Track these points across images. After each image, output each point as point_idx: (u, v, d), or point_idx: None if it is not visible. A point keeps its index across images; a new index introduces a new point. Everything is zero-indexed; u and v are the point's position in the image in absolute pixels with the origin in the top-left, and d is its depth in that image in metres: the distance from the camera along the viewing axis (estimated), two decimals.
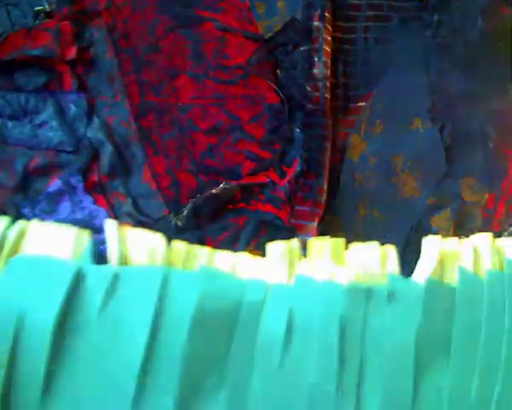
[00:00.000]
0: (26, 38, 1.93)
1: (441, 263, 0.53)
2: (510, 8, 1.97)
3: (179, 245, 0.53)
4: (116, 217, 1.95)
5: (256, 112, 1.99)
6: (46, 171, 1.95)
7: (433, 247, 0.53)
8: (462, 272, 0.52)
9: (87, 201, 1.96)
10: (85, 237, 0.53)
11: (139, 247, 0.53)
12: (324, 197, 1.96)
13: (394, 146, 2.00)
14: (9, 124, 1.95)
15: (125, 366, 0.53)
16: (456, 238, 0.53)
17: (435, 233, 2.13)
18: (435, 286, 0.51)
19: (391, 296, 0.50)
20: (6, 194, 1.94)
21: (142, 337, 0.52)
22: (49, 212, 1.94)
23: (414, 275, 0.53)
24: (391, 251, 0.52)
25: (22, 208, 1.95)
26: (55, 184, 1.96)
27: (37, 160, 1.95)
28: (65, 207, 1.98)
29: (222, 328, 0.51)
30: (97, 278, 0.53)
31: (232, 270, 0.52)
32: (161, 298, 0.52)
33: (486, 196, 1.97)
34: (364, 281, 0.50)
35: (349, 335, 0.50)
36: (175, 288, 0.52)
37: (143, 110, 1.98)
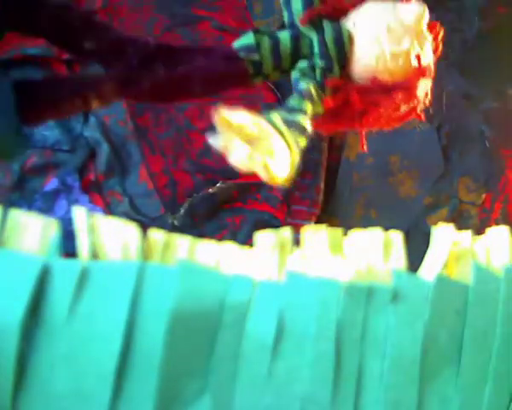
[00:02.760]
0: (23, 36, 1.88)
1: (453, 257, 0.45)
2: (508, 8, 1.92)
3: (157, 235, 0.46)
4: (113, 216, 1.90)
5: (253, 111, 1.94)
6: (42, 170, 1.89)
7: (444, 238, 0.45)
8: (477, 267, 0.44)
9: (83, 200, 1.91)
10: (52, 227, 0.46)
11: (112, 238, 0.46)
12: (321, 197, 1.92)
13: (391, 146, 1.96)
14: None
15: (98, 374, 0.46)
16: (469, 231, 0.45)
17: None
18: (446, 284, 0.43)
19: (395, 296, 0.42)
20: (2, 193, 1.89)
21: (115, 342, 0.45)
22: (45, 211, 1.88)
23: (421, 270, 0.45)
24: (396, 238, 0.43)
25: (19, 207, 1.89)
26: (51, 183, 1.90)
27: (34, 159, 1.89)
28: (61, 206, 1.92)
29: (203, 331, 0.44)
30: (66, 275, 0.45)
31: (216, 263, 0.45)
32: (136, 297, 0.45)
33: (483, 195, 1.93)
34: (365, 278, 0.43)
35: (347, 340, 0.42)
36: (151, 285, 0.45)
37: (140, 109, 1.93)
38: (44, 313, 0.46)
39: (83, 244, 0.46)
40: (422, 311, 0.43)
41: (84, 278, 0.45)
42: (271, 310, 0.43)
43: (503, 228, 0.46)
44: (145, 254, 0.46)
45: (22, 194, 1.89)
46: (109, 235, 0.46)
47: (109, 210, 1.91)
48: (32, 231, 0.45)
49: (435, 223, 1.81)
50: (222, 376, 0.44)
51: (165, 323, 0.44)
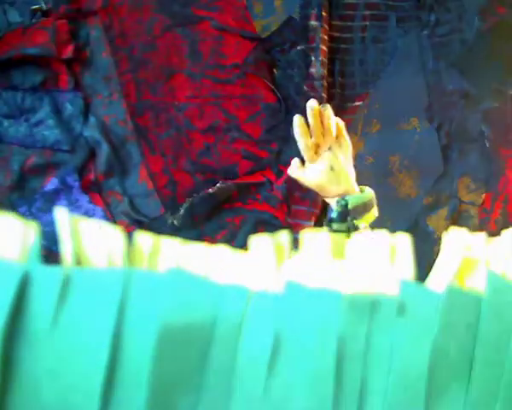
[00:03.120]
0: (23, 36, 1.83)
1: (465, 264, 0.41)
2: (508, 8, 1.88)
3: (143, 239, 0.41)
4: (112, 216, 1.87)
5: (253, 111, 1.90)
6: (42, 170, 1.85)
7: (456, 244, 0.40)
8: (492, 276, 0.40)
9: (83, 200, 1.87)
10: (32, 231, 0.41)
11: (96, 243, 0.42)
12: (321, 197, 1.88)
13: (391, 146, 1.92)
14: (5, 122, 1.85)
15: (85, 388, 0.42)
16: (483, 233, 0.41)
17: (432, 233, 2.06)
18: (457, 295, 0.39)
19: (402, 309, 0.38)
20: (2, 193, 1.85)
21: (102, 355, 0.41)
22: (45, 211, 1.85)
23: (429, 280, 0.41)
24: (403, 242, 0.39)
25: (18, 207, 1.85)
26: (51, 182, 1.87)
27: (34, 159, 1.85)
28: (61, 205, 1.89)
29: (194, 345, 0.40)
30: (47, 284, 0.41)
31: (207, 270, 0.40)
32: (122, 307, 0.41)
33: (483, 195, 1.89)
34: (369, 288, 0.38)
35: (349, 355, 0.38)
36: (138, 294, 0.41)
37: (140, 109, 1.89)
38: (27, 324, 0.41)
39: (67, 249, 0.42)
40: (431, 325, 0.39)
41: (68, 286, 0.41)
42: (267, 324, 0.39)
43: None
44: (131, 258, 0.42)
45: (22, 194, 1.85)
46: (93, 239, 0.42)
47: (109, 210, 1.87)
48: (10, 236, 0.41)
49: (435, 223, 1.77)
50: (215, 392, 0.40)
51: (154, 335, 0.40)
